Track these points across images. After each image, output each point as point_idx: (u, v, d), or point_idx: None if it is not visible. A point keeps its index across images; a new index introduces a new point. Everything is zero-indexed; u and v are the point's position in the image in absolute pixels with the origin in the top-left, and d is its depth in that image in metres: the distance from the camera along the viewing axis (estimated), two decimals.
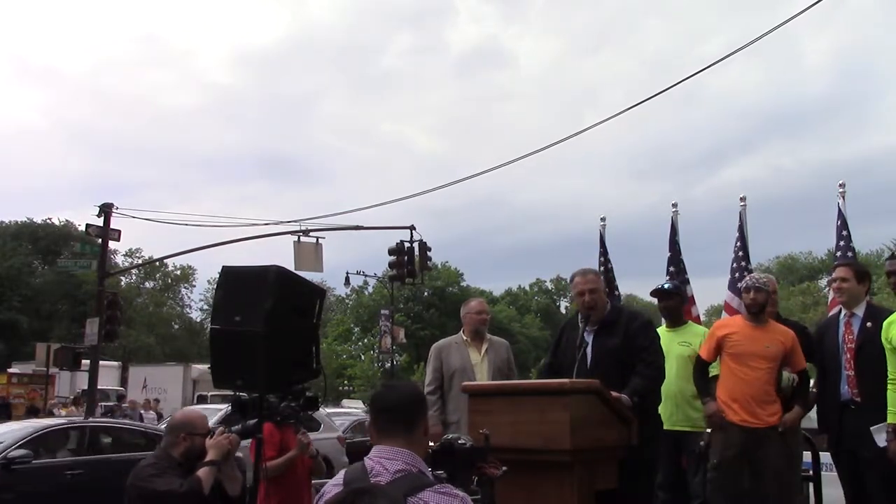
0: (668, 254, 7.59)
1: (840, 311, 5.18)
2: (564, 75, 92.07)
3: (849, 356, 4.93)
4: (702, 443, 5.31)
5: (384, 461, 2.20)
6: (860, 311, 4.99)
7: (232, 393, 4.39)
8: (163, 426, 11.02)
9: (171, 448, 4.03)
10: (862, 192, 61.90)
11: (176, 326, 58.51)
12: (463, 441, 3.07)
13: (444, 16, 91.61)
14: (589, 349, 4.61)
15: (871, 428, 4.69)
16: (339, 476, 2.26)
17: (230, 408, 4.54)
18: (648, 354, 4.51)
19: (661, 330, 5.64)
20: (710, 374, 5.31)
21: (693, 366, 5.33)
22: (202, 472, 3.83)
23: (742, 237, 7.22)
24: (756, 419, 4.97)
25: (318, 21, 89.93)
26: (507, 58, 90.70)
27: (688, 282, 7.35)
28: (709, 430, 5.23)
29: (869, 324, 4.89)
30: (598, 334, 4.63)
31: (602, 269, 7.84)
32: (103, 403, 22.30)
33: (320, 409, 8.95)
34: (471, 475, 3.07)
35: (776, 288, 5.89)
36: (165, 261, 47.44)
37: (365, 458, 2.25)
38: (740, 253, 7.18)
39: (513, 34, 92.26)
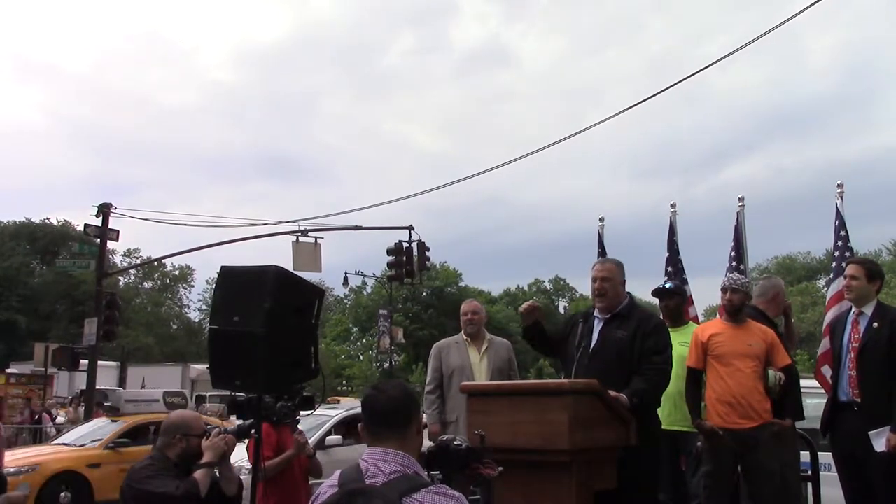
0: (667, 254, 7.59)
1: (850, 308, 5.16)
2: (567, 75, 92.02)
3: (852, 356, 4.90)
4: (698, 444, 5.30)
5: (378, 462, 2.20)
6: (869, 310, 4.95)
7: (229, 393, 4.40)
8: None
9: (167, 449, 4.01)
10: (863, 192, 61.95)
11: (174, 326, 58.52)
12: (458, 442, 3.07)
13: (447, 15, 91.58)
14: (595, 334, 4.60)
15: (870, 433, 4.67)
16: (335, 477, 2.26)
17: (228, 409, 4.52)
18: (658, 357, 4.46)
19: None
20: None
21: (685, 378, 5.20)
22: (199, 475, 3.81)
23: (737, 238, 7.21)
24: (747, 420, 4.94)
25: (320, 20, 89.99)
26: (509, 57, 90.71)
27: (686, 282, 7.34)
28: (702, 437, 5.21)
29: (876, 324, 4.86)
30: (607, 323, 4.61)
31: None
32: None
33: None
34: (466, 476, 3.06)
35: (782, 290, 5.92)
36: (164, 261, 47.42)
37: (359, 460, 2.25)
38: (732, 253, 7.18)
39: (516, 33, 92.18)
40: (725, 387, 5.01)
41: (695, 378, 5.20)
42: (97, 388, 18.77)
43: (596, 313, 4.71)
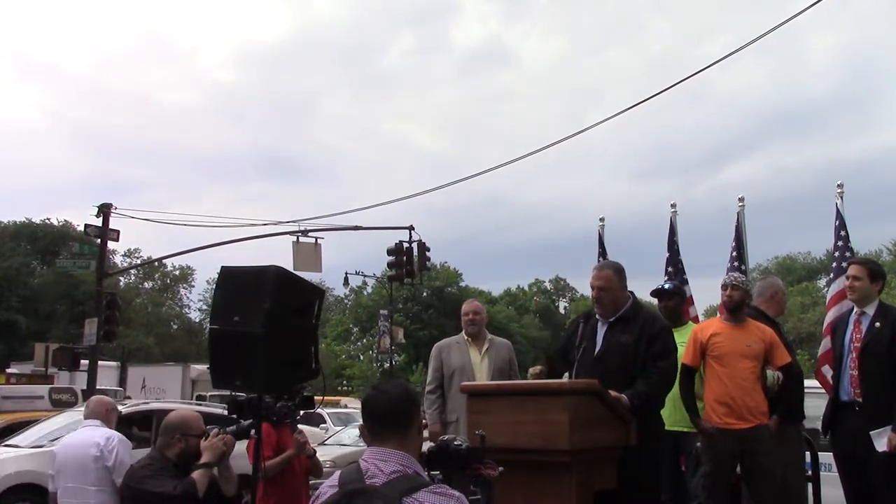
0: (667, 254, 7.59)
1: (852, 308, 5.16)
2: (568, 74, 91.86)
3: (854, 355, 4.91)
4: (698, 444, 5.31)
5: (378, 462, 2.20)
6: (871, 310, 4.95)
7: (230, 393, 4.40)
8: None
9: (166, 449, 4.01)
10: (863, 192, 61.88)
11: (175, 327, 58.46)
12: (459, 442, 3.08)
13: (447, 15, 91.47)
14: (599, 338, 4.58)
15: (872, 433, 4.67)
16: (335, 477, 2.26)
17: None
18: (663, 362, 4.45)
19: None
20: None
21: (679, 376, 5.07)
22: (197, 475, 3.82)
23: (738, 238, 7.20)
24: (744, 420, 4.94)
25: (320, 20, 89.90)
26: (510, 57, 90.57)
27: (686, 282, 7.34)
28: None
29: (878, 324, 4.87)
30: (611, 327, 4.59)
31: None
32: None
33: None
34: (467, 476, 3.06)
35: (781, 289, 5.95)
36: (164, 261, 47.35)
37: (360, 460, 2.26)
38: (733, 253, 7.18)
39: (516, 33, 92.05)
40: (724, 388, 5.01)
41: (689, 375, 5.20)
42: (97, 388, 18.77)
43: (598, 317, 4.68)
